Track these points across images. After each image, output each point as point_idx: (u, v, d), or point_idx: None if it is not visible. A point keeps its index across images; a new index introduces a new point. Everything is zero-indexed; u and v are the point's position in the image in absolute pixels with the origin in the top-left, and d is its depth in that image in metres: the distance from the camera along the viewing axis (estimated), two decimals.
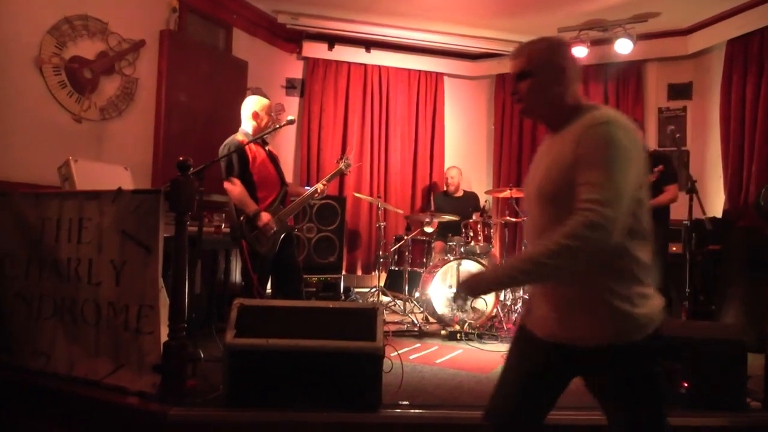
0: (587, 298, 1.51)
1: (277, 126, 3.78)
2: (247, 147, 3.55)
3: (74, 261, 3.02)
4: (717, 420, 2.71)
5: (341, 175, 4.25)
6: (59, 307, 3.07)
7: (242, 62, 5.71)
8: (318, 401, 2.55)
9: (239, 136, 3.63)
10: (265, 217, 3.53)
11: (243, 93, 5.73)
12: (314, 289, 5.63)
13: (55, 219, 3.10)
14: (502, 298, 5.13)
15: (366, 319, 2.67)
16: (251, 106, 3.71)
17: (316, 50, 6.57)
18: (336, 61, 6.65)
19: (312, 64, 6.60)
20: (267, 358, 2.56)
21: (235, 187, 3.53)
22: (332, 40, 6.53)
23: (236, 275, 5.49)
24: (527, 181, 1.68)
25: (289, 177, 5.92)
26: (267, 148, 3.78)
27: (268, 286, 3.90)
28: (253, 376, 2.57)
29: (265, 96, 3.99)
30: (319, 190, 3.86)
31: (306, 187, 4.39)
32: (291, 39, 6.49)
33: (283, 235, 3.68)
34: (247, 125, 3.71)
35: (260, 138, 3.66)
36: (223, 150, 3.57)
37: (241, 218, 3.53)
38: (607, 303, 1.48)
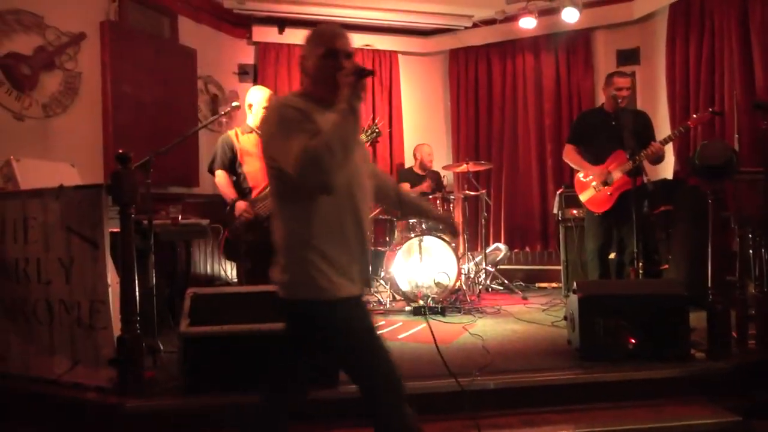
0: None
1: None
2: (234, 141, 3.72)
3: (22, 261, 2.99)
4: (663, 372, 2.82)
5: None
6: (10, 308, 3.04)
7: (190, 50, 5.61)
8: None
9: (232, 131, 3.81)
10: (240, 205, 3.62)
11: (193, 81, 5.64)
12: None
13: (0, 220, 3.06)
14: (465, 271, 5.21)
15: None
16: (246, 98, 3.83)
17: (267, 34, 6.48)
18: (288, 45, 6.55)
19: (263, 49, 6.50)
20: (222, 344, 2.58)
21: (215, 179, 3.77)
22: (282, 23, 6.43)
23: (200, 266, 5.48)
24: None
25: None
26: None
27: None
28: (209, 363, 2.58)
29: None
30: None
31: None
32: (240, 24, 6.38)
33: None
34: (249, 117, 3.83)
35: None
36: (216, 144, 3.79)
37: (227, 208, 3.68)
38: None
